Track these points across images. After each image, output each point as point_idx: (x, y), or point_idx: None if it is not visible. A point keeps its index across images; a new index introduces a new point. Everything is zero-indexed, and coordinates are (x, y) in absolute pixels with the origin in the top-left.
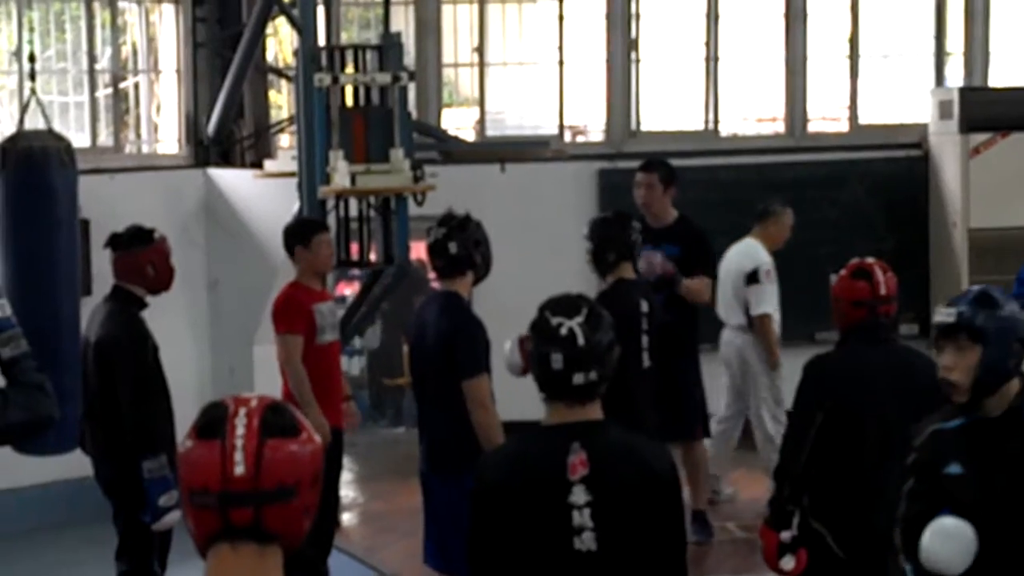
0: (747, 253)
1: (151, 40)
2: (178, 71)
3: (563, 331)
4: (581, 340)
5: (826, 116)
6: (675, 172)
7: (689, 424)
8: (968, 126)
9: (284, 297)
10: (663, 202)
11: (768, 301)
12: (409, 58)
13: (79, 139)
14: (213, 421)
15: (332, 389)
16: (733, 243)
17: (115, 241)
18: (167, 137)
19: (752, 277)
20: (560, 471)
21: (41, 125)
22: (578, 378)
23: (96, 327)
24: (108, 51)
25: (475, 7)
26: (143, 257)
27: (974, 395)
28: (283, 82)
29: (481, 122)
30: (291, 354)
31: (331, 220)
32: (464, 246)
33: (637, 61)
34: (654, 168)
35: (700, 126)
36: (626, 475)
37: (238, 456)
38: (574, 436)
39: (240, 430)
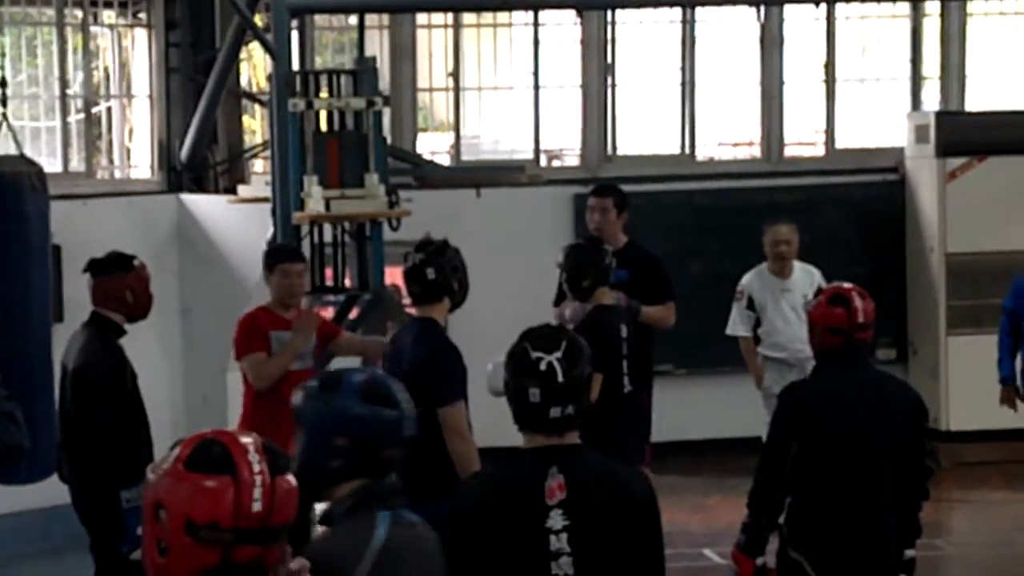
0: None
1: (123, 65)
2: (151, 96)
3: (542, 366)
4: (560, 376)
5: (802, 140)
6: (627, 197)
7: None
8: (945, 150)
9: (243, 322)
10: (615, 227)
11: (732, 323)
12: (384, 83)
13: (51, 164)
14: (214, 456)
15: (289, 418)
16: (706, 267)
17: (94, 266)
18: (140, 162)
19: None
20: (538, 495)
21: (12, 150)
22: (555, 411)
23: (74, 354)
24: (80, 76)
25: (450, 32)
26: (123, 283)
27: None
28: (257, 107)
29: (456, 147)
30: (257, 369)
31: (305, 245)
32: (442, 272)
33: (613, 86)
34: (608, 193)
35: (676, 150)
36: (604, 499)
37: (257, 493)
38: (552, 460)
39: (257, 467)
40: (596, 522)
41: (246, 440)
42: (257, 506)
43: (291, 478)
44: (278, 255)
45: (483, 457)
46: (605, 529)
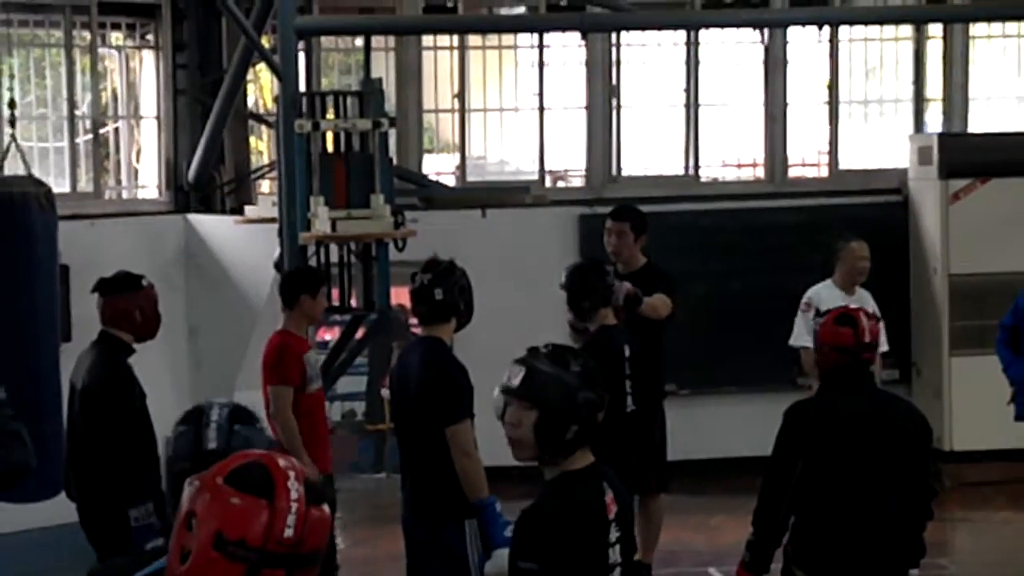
0: (812, 288)
1: (131, 86)
2: (158, 117)
3: (589, 374)
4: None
5: (806, 162)
6: (646, 219)
7: (646, 475)
8: (947, 172)
9: (278, 347)
10: (633, 249)
11: (796, 334)
12: (390, 104)
13: (59, 185)
14: (255, 477)
15: (322, 436)
16: (711, 288)
17: (103, 286)
18: (147, 183)
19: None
20: (602, 512)
21: (21, 171)
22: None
23: (83, 373)
24: (88, 97)
25: (455, 53)
26: (132, 302)
27: None
28: (264, 128)
29: (462, 167)
30: (283, 406)
31: (311, 266)
32: (450, 292)
33: (618, 107)
34: (625, 216)
35: (680, 171)
36: (631, 511)
37: (291, 519)
38: (600, 476)
39: (295, 494)
40: (631, 532)
41: (287, 466)
42: (289, 532)
43: (326, 508)
44: (320, 277)
45: (490, 477)
46: (634, 540)
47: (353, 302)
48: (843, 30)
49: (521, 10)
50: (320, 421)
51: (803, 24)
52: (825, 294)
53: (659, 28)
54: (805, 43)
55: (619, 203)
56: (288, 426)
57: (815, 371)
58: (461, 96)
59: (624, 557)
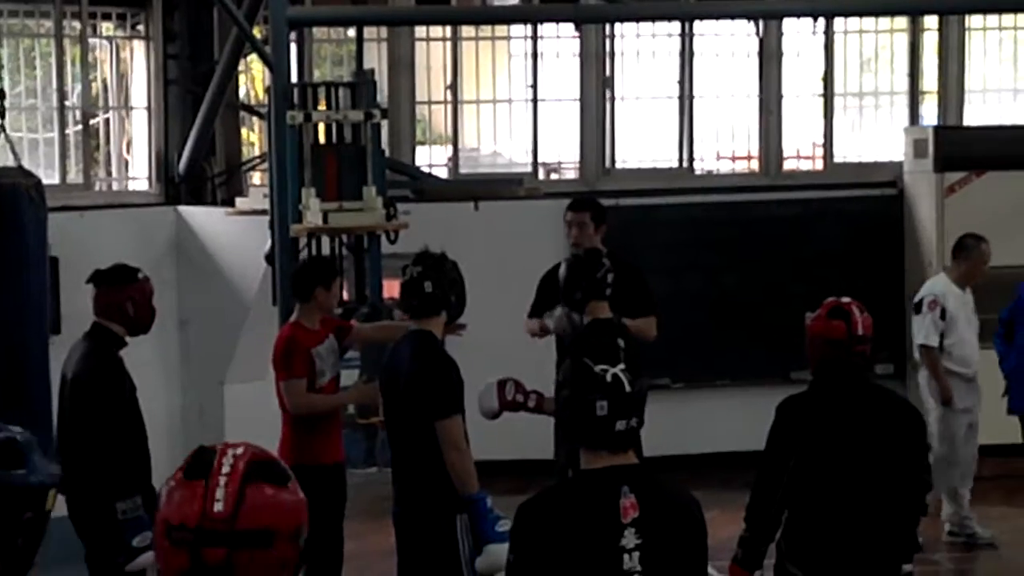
0: (928, 284)
1: (122, 77)
2: (149, 108)
3: (608, 378)
4: (627, 387)
5: (801, 154)
6: (605, 210)
7: None
8: (943, 165)
9: (285, 341)
10: (594, 240)
11: (925, 332)
12: (382, 95)
13: (48, 176)
14: (201, 463)
15: (332, 426)
16: (705, 281)
17: (97, 277)
18: (138, 174)
19: (917, 307)
20: (613, 514)
21: (10, 162)
22: (620, 424)
23: (73, 364)
24: (78, 88)
25: (448, 44)
26: (123, 294)
27: None
28: (255, 119)
29: (454, 159)
30: (295, 396)
31: (303, 258)
32: (440, 285)
33: (611, 99)
34: (585, 207)
35: (674, 164)
36: (674, 520)
37: (219, 494)
38: (622, 479)
39: (225, 469)
40: (666, 542)
41: (235, 447)
42: (219, 507)
43: (289, 489)
44: (334, 268)
45: (480, 471)
46: (674, 549)
47: (344, 295)
48: (838, 22)
49: (515, 1)
50: (330, 412)
51: (798, 15)
52: (947, 292)
53: (653, 19)
54: (800, 35)
55: (613, 195)
56: (312, 405)
57: (943, 373)
58: (454, 87)
59: (647, 565)
